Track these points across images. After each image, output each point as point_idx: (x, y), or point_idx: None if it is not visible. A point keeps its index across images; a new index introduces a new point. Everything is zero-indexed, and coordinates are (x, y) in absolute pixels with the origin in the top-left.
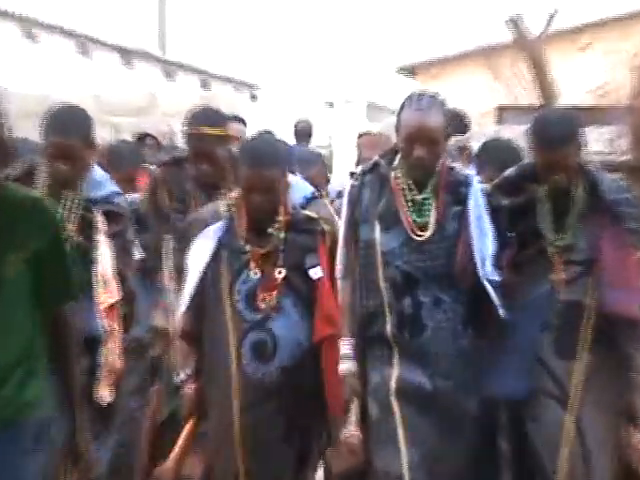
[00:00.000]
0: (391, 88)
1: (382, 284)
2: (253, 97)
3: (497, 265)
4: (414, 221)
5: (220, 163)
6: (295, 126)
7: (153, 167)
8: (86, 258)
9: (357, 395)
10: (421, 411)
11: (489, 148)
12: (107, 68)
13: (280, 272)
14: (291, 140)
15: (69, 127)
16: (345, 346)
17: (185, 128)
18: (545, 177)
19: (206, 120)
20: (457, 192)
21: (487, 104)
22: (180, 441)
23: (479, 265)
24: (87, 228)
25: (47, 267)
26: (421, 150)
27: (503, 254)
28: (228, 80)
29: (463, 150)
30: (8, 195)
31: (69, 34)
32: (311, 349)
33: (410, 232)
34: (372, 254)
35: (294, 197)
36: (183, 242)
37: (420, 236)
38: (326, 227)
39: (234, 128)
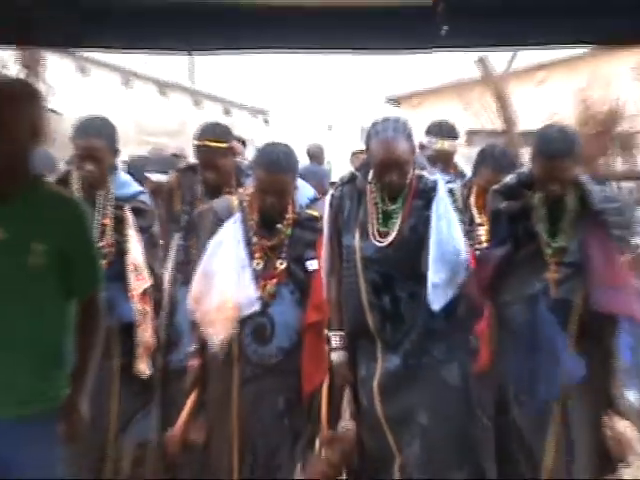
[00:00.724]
0: (380, 114)
1: (363, 285)
2: (266, 121)
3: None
4: (379, 230)
5: (223, 172)
6: (308, 150)
7: (167, 175)
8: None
9: (349, 382)
10: (399, 398)
11: (487, 153)
12: (146, 97)
13: (282, 263)
14: (304, 160)
15: (94, 131)
16: (335, 338)
17: (195, 141)
18: (542, 186)
19: (211, 134)
20: (427, 198)
21: (459, 129)
22: (185, 410)
23: (429, 264)
24: (119, 223)
25: (75, 260)
26: (391, 175)
27: (499, 250)
28: (245, 107)
29: (450, 158)
30: (42, 190)
31: (115, 69)
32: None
33: (373, 239)
34: (354, 259)
35: (300, 198)
36: (190, 236)
37: (381, 242)
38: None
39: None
